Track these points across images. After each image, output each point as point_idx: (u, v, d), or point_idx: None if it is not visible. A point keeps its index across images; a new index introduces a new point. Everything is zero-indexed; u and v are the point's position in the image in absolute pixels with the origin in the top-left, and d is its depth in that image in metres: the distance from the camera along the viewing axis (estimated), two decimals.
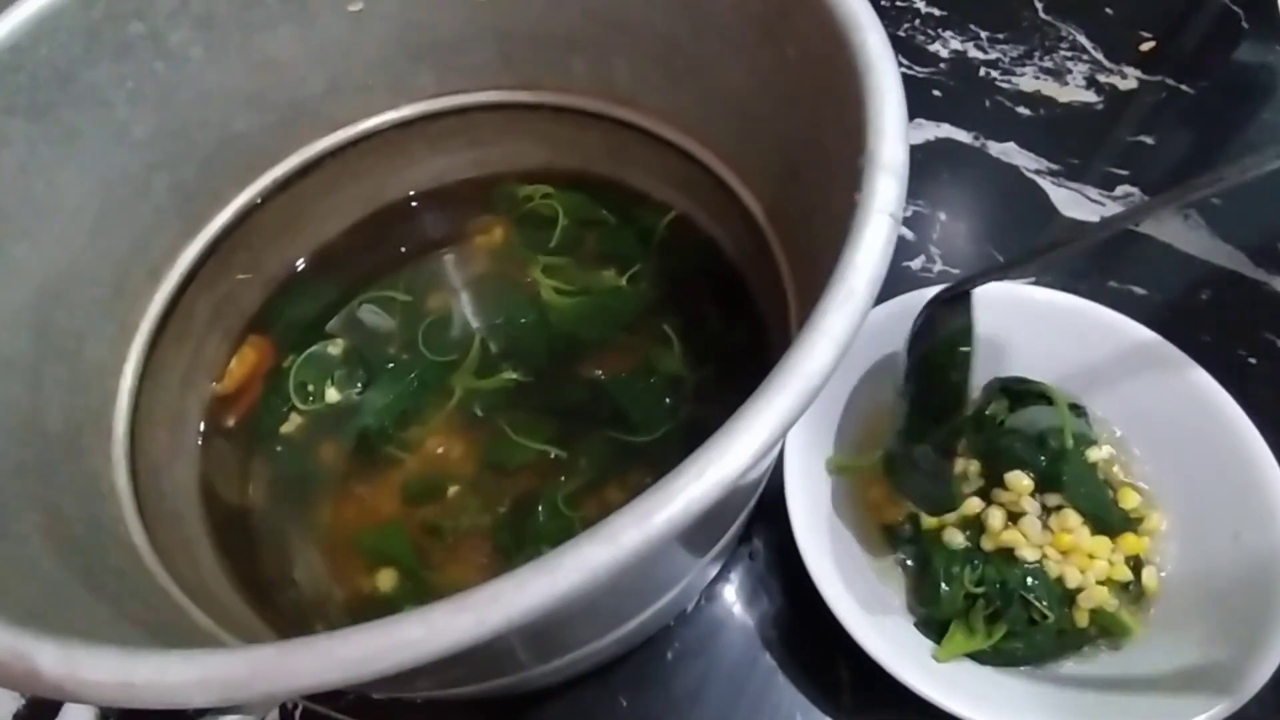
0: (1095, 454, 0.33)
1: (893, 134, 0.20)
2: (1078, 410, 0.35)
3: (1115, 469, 0.34)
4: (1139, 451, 0.35)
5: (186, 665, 0.13)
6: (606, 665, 0.33)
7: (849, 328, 0.17)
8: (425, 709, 0.34)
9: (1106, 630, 0.31)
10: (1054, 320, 0.36)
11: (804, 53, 0.26)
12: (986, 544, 0.32)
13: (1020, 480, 0.32)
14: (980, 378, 0.36)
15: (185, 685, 0.13)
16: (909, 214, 0.47)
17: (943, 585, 0.31)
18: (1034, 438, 0.33)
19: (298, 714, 0.33)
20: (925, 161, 0.50)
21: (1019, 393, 0.35)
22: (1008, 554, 0.31)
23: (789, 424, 0.16)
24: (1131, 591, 0.32)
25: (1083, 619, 0.31)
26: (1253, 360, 0.41)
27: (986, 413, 0.35)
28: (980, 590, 0.31)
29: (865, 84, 0.21)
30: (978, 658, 0.30)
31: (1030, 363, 0.36)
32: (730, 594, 0.36)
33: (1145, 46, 0.54)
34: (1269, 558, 0.30)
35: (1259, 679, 0.27)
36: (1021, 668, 0.31)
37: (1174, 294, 0.44)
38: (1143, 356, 0.35)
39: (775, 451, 0.28)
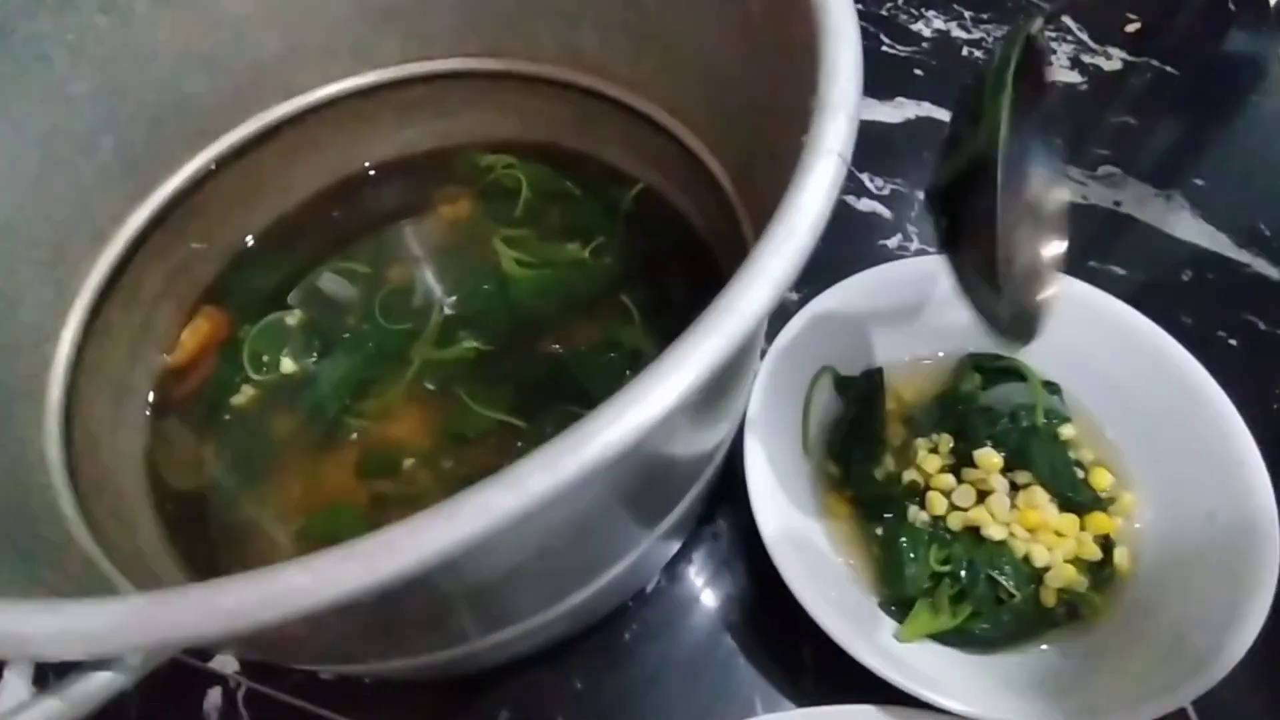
0: (1067, 431, 0.32)
1: (845, 74, 0.20)
2: (1051, 387, 0.34)
3: (1088, 449, 0.33)
4: (1114, 432, 0.34)
5: (45, 616, 0.12)
6: (562, 645, 0.32)
7: (788, 269, 0.16)
8: (375, 690, 0.33)
9: (1075, 611, 0.30)
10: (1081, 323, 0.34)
11: (766, 6, 0.25)
12: (953, 522, 0.31)
13: (989, 457, 0.31)
14: (954, 351, 0.36)
15: (42, 636, 0.12)
16: (886, 192, 0.47)
17: (907, 564, 0.30)
18: (1005, 414, 0.33)
19: (240, 694, 0.32)
20: (905, 140, 0.49)
21: (992, 369, 0.34)
22: (974, 533, 0.31)
23: (719, 366, 0.15)
24: (1102, 572, 0.31)
25: (1050, 598, 0.30)
26: (1233, 342, 0.40)
27: (960, 389, 0.34)
28: (946, 569, 0.30)
29: (820, 25, 0.20)
30: (943, 639, 0.30)
31: None
32: (692, 575, 0.35)
33: (1131, 28, 0.53)
34: (1243, 538, 0.29)
35: (1230, 661, 0.27)
36: (989, 650, 0.30)
37: (1154, 274, 0.43)
38: (1121, 333, 0.34)
39: (727, 423, 0.27)
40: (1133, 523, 0.32)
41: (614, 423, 0.14)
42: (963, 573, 0.29)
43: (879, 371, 0.35)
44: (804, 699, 0.32)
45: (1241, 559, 0.29)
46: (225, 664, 0.33)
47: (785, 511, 0.31)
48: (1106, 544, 0.31)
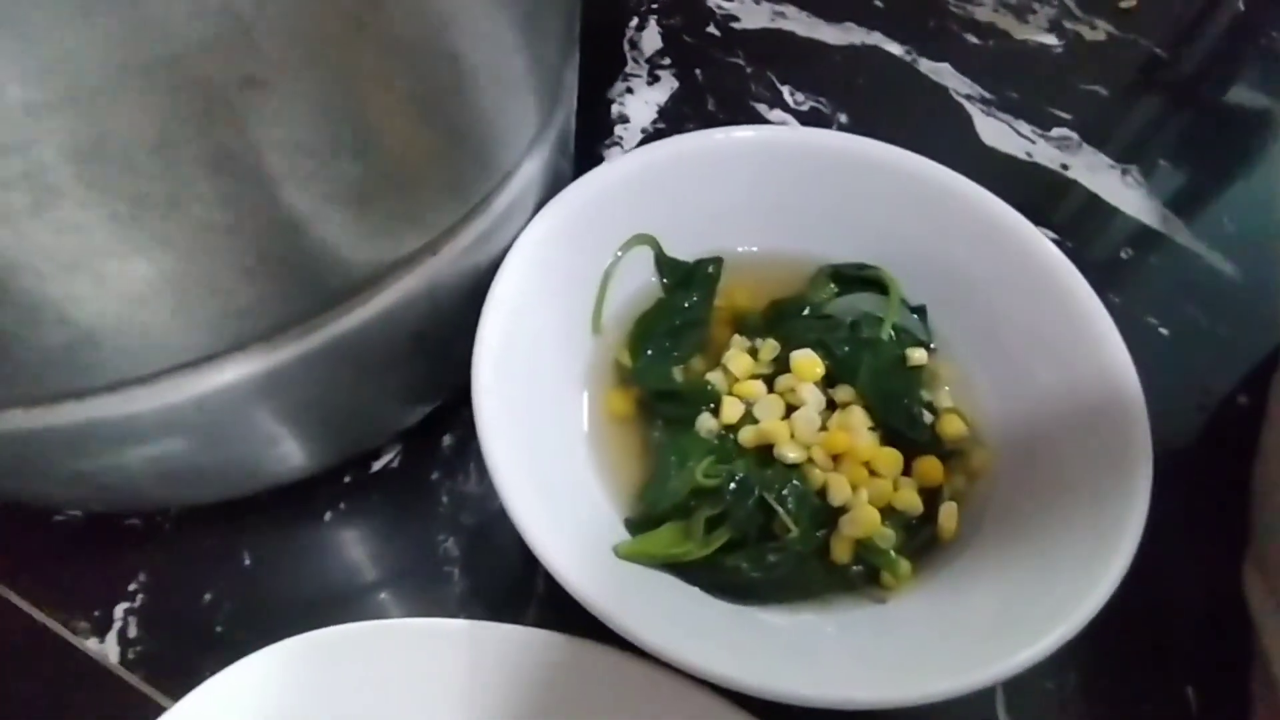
0: (918, 356, 0.25)
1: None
2: (918, 311, 0.27)
3: (950, 393, 0.26)
4: (985, 379, 0.27)
5: None
6: (237, 508, 0.25)
7: None
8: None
9: (875, 575, 0.23)
10: (935, 211, 0.28)
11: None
12: (745, 436, 0.24)
13: (807, 362, 0.24)
14: (817, 255, 0.29)
15: None
16: (805, 108, 0.40)
17: (672, 476, 0.23)
18: (844, 323, 0.26)
19: None
20: (841, 64, 0.42)
21: (850, 278, 0.27)
22: (768, 452, 0.24)
23: None
24: (920, 533, 0.23)
25: (844, 551, 0.23)
26: (1164, 331, 0.34)
27: (806, 296, 0.27)
28: (712, 482, 0.23)
29: None
30: (694, 578, 0.22)
31: (883, 248, 0.28)
32: (430, 462, 0.28)
33: (1126, 4, 0.47)
34: (1114, 521, 0.22)
35: (1052, 644, 0.20)
36: (750, 601, 0.22)
37: (1087, 244, 0.36)
38: (1016, 257, 0.27)
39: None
40: (982, 486, 0.25)
41: None
42: (729, 490, 0.22)
43: (717, 262, 0.28)
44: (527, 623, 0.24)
45: (1103, 543, 0.22)
46: None
47: (531, 397, 0.23)
48: (933, 499, 0.24)
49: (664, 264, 0.28)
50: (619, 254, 0.27)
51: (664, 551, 0.22)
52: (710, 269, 0.28)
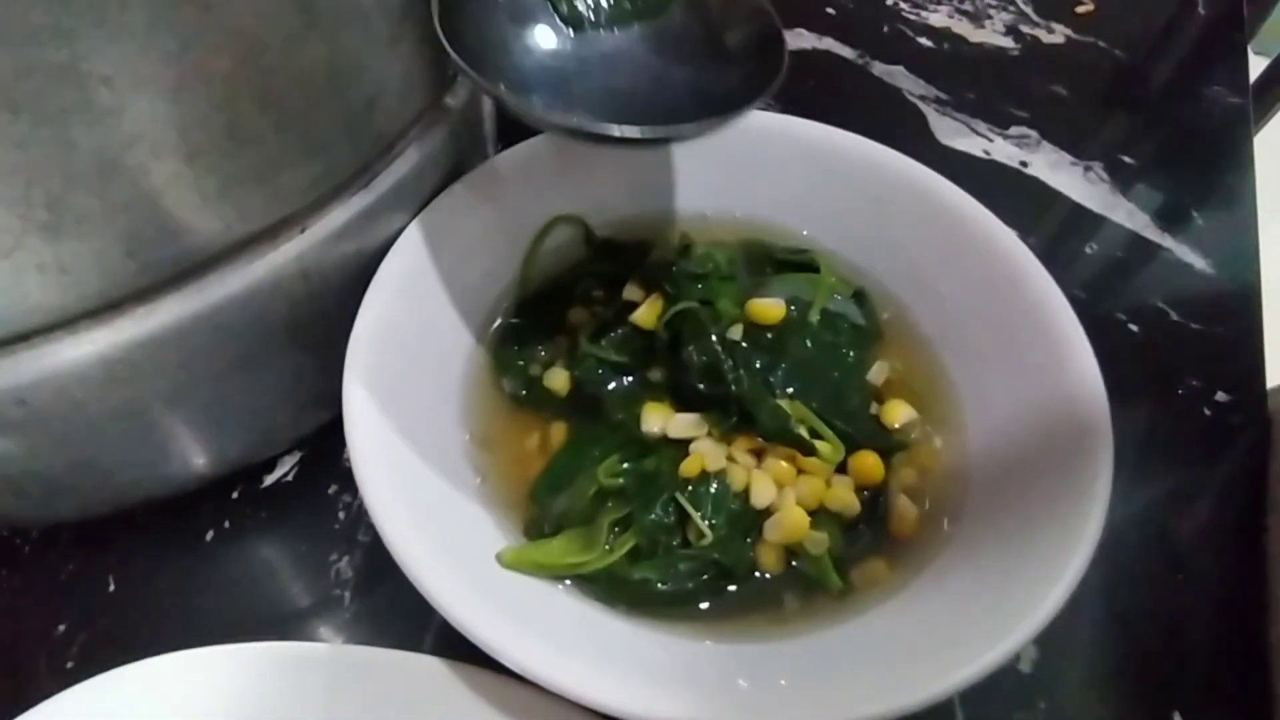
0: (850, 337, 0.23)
1: None
2: (858, 295, 0.25)
3: (891, 378, 0.24)
4: (942, 370, 0.24)
5: None
6: (109, 526, 0.23)
7: None
8: None
9: (808, 586, 0.20)
10: (889, 196, 0.26)
11: None
12: (650, 424, 0.21)
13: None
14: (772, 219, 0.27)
15: None
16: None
17: (579, 476, 0.20)
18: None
19: None
20: (791, 68, 0.41)
21: (782, 261, 0.25)
22: (681, 448, 0.21)
23: None
24: (859, 537, 0.21)
25: (772, 558, 0.20)
26: (1134, 327, 0.31)
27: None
28: (617, 483, 0.20)
29: None
30: (599, 593, 0.20)
31: (842, 239, 0.26)
32: (318, 478, 0.25)
33: (1083, 9, 0.46)
34: (1074, 519, 0.20)
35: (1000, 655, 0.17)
36: (669, 621, 0.19)
37: (1050, 241, 0.34)
38: (968, 241, 0.25)
39: None
40: (931, 480, 0.22)
41: None
42: (636, 491, 0.20)
43: (648, 246, 0.26)
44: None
45: (1061, 543, 0.19)
46: None
47: (413, 391, 0.21)
48: (875, 499, 0.21)
49: (594, 244, 0.26)
50: (541, 234, 0.25)
51: (559, 561, 0.19)
52: (646, 247, 0.26)
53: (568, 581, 0.19)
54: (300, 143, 0.19)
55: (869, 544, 0.21)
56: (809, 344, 0.22)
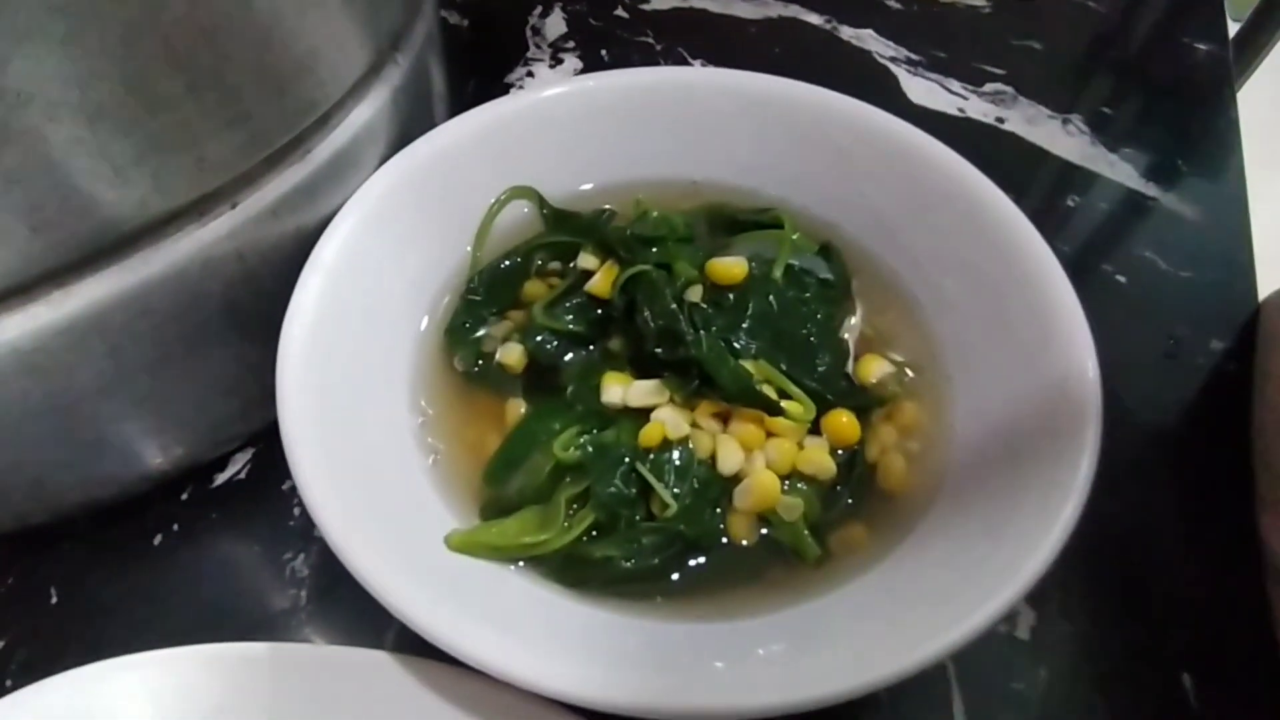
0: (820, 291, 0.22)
1: None
2: (825, 251, 0.24)
3: (867, 333, 0.23)
4: (922, 328, 0.23)
5: None
6: (54, 531, 0.22)
7: None
8: None
9: (784, 555, 0.19)
10: (855, 149, 0.25)
11: None
12: (610, 394, 0.20)
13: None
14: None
15: None
16: None
17: (533, 451, 0.19)
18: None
19: None
20: (757, 36, 0.40)
21: (746, 223, 0.24)
22: (643, 418, 0.20)
23: None
24: (836, 503, 0.20)
25: (743, 528, 0.19)
26: (1121, 278, 0.30)
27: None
28: (575, 456, 0.19)
29: None
30: (556, 573, 0.18)
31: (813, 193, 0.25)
32: (271, 476, 0.24)
33: None
34: (1063, 473, 0.19)
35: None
36: (633, 601, 0.18)
37: (1030, 195, 0.33)
38: (943, 189, 0.24)
39: None
40: (908, 438, 0.21)
41: None
42: (594, 462, 0.18)
43: (610, 213, 0.25)
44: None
45: (1047, 500, 0.18)
46: None
47: (357, 369, 0.20)
48: (852, 460, 0.20)
49: (550, 216, 0.25)
50: (496, 207, 0.24)
51: (514, 542, 0.18)
52: (604, 217, 0.25)
53: (521, 563, 0.18)
54: (220, 107, 0.18)
55: (847, 508, 0.20)
56: (773, 302, 0.21)
